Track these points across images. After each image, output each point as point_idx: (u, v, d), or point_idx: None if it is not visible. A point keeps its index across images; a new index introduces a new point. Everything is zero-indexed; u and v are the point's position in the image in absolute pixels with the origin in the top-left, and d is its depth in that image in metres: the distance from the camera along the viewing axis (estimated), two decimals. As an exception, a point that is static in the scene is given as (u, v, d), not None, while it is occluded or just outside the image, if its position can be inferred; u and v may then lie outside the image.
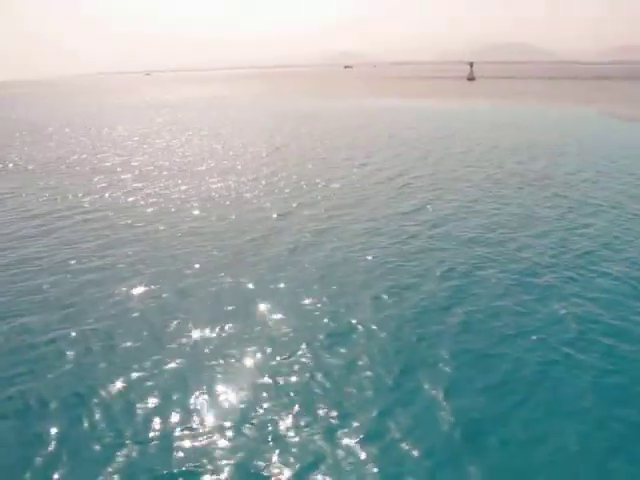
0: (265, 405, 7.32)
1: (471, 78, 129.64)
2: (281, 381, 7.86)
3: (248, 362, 8.40)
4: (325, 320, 9.71)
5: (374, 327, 9.37)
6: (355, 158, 26.15)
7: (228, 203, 18.18)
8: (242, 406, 7.33)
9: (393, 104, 60.36)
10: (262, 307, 10.26)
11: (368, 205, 17.51)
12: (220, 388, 7.77)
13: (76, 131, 41.32)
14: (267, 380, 7.89)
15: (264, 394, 7.57)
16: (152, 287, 11.26)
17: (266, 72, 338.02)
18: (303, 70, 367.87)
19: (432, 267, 12.06)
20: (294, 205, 17.56)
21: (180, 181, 21.91)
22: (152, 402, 7.44)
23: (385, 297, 10.59)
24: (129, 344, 8.99)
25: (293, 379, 7.90)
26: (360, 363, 8.31)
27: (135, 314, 10.09)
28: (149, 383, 7.86)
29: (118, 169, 24.87)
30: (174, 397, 7.53)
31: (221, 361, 8.43)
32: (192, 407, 7.33)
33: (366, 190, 19.57)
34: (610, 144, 29.58)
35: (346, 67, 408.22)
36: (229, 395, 7.59)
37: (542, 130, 36.09)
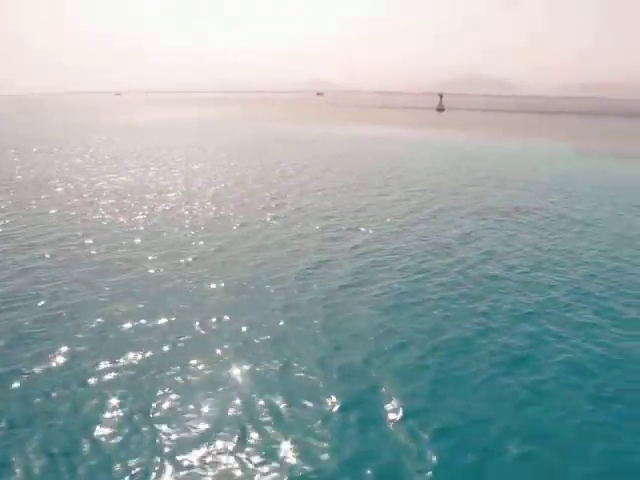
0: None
1: (441, 109, 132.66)
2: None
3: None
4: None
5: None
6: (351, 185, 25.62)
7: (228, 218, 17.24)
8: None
9: (369, 132, 60.02)
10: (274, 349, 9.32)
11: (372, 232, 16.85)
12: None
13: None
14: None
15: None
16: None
17: (239, 97, 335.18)
18: (279, 96, 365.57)
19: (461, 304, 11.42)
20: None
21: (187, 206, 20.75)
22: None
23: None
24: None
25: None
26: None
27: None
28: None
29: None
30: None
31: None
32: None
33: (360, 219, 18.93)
34: (592, 179, 29.80)
35: (318, 94, 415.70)
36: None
37: (513, 162, 36.51)
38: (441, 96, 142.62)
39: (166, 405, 7.61)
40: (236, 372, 8.56)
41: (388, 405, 7.68)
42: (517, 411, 7.64)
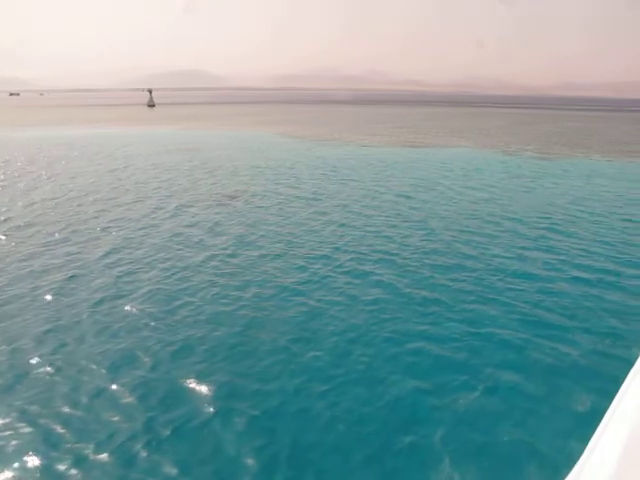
0: None
1: (151, 105, 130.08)
2: None
3: None
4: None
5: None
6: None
7: None
8: None
9: (75, 133, 54.28)
10: None
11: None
12: None
13: None
14: None
15: None
16: None
17: None
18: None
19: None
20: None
21: None
22: None
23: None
24: None
25: None
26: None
27: None
28: None
29: None
30: None
31: None
32: None
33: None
34: (308, 160, 33.15)
35: (12, 94, 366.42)
36: None
37: (232, 151, 38.50)
38: (150, 91, 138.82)
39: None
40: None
41: (201, 400, 7.77)
42: (308, 373, 8.38)
